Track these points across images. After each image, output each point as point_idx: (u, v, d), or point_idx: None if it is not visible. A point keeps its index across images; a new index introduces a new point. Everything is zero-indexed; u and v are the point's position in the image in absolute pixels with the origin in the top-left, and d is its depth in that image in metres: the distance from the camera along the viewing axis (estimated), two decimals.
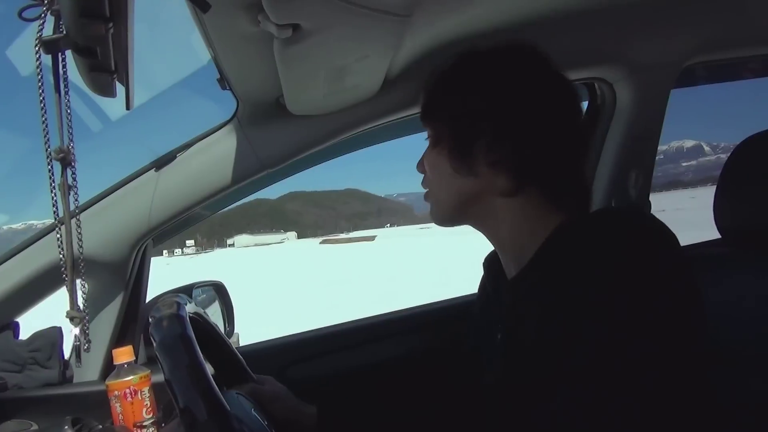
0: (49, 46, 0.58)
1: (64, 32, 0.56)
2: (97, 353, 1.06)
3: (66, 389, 1.02)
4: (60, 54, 0.62)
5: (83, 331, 0.83)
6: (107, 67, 0.56)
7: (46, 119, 0.66)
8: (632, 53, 1.15)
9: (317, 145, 1.09)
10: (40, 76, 0.61)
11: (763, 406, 0.80)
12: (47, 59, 0.62)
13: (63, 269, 0.78)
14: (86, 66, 0.56)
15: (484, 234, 0.77)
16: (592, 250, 0.60)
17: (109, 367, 1.04)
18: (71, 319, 0.79)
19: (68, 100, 0.67)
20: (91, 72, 0.56)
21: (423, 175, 0.80)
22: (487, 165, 0.69)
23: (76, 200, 0.79)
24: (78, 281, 0.82)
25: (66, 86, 0.66)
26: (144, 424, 0.82)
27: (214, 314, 1.37)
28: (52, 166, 0.73)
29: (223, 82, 0.94)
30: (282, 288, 16.74)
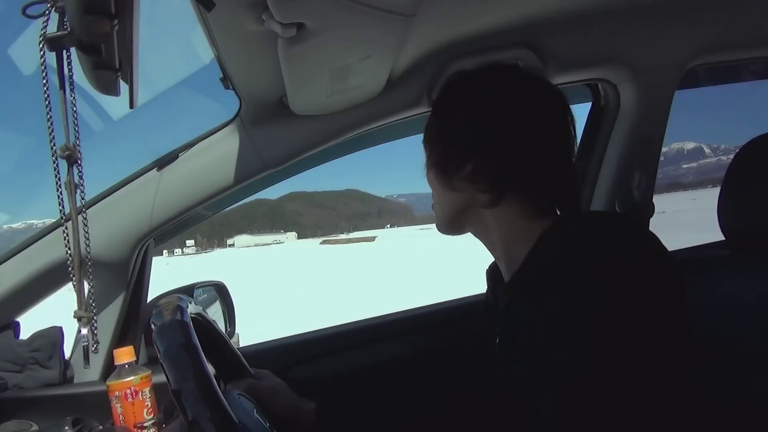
0: (54, 43, 0.57)
1: (69, 29, 0.56)
2: (98, 353, 1.06)
3: (66, 389, 1.02)
4: (64, 51, 0.61)
5: (92, 332, 0.82)
6: (111, 64, 0.55)
7: (51, 117, 0.65)
8: (636, 54, 1.15)
9: (320, 145, 1.09)
10: (44, 74, 0.61)
11: (765, 408, 0.80)
12: (51, 57, 0.61)
13: (70, 269, 0.77)
14: (90, 64, 0.55)
15: (482, 242, 0.81)
16: (573, 254, 0.62)
17: (110, 368, 1.03)
18: (79, 319, 0.78)
19: (74, 98, 0.66)
20: (95, 70, 0.56)
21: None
22: (464, 180, 0.74)
23: (83, 199, 0.78)
24: (85, 281, 0.82)
25: (71, 84, 0.65)
26: (145, 424, 0.81)
27: (215, 314, 1.36)
28: (57, 165, 0.72)
29: (226, 81, 0.93)
30: (280, 289, 16.71)
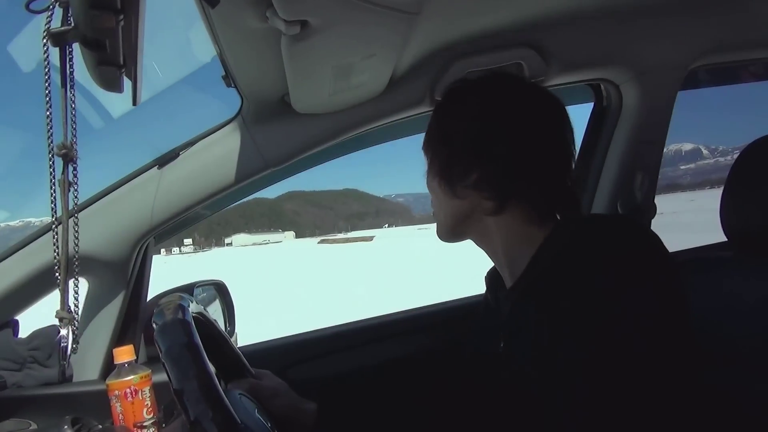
0: (57, 39, 0.57)
1: (73, 24, 0.55)
2: (97, 352, 1.05)
3: (66, 388, 1.01)
4: (67, 47, 0.60)
5: (72, 333, 0.81)
6: (115, 61, 0.55)
7: (50, 114, 0.64)
8: (639, 55, 1.15)
9: (322, 144, 1.08)
10: (47, 70, 0.60)
11: (764, 408, 0.80)
12: (53, 53, 0.61)
13: (56, 268, 0.77)
14: (94, 59, 0.54)
15: (483, 249, 0.82)
16: (577, 255, 0.63)
17: (109, 367, 1.03)
18: (60, 320, 0.78)
19: (73, 95, 0.66)
20: (98, 66, 0.55)
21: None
22: (468, 188, 0.74)
23: (76, 197, 0.77)
24: (71, 282, 0.81)
25: (72, 81, 0.64)
26: (144, 424, 0.81)
27: (215, 313, 1.36)
28: (53, 162, 0.71)
29: (228, 79, 0.93)
30: (277, 289, 16.69)
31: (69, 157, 0.72)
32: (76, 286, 0.82)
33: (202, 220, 1.28)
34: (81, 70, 0.66)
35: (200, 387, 0.54)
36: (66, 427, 0.82)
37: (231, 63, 0.86)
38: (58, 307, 0.82)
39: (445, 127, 0.79)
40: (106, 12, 0.47)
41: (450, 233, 0.82)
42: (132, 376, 0.81)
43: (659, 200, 1.29)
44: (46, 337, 1.02)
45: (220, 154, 1.04)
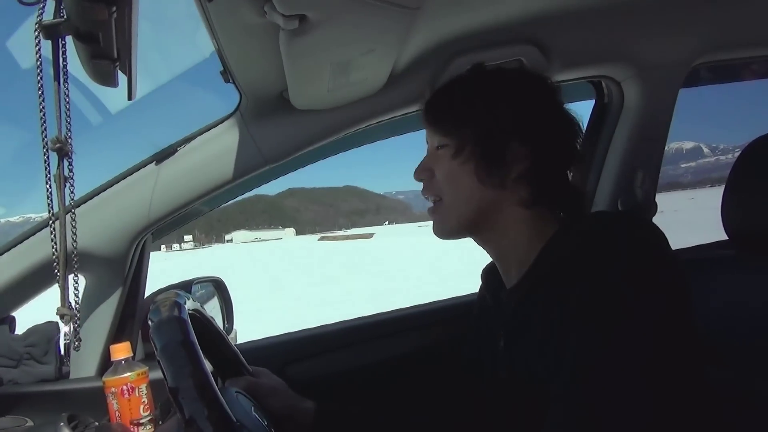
0: (49, 31, 0.56)
1: (65, 17, 0.55)
2: (94, 349, 1.05)
3: (62, 385, 1.01)
4: (60, 40, 0.59)
5: (75, 330, 0.81)
6: (109, 54, 0.54)
7: (44, 108, 0.64)
8: (641, 51, 1.14)
9: (321, 141, 1.08)
10: (39, 63, 0.59)
11: (765, 407, 0.79)
12: (47, 47, 0.60)
13: (55, 265, 0.76)
14: (87, 53, 0.54)
15: (486, 245, 0.79)
16: (584, 256, 0.63)
17: (106, 363, 1.02)
18: (61, 317, 0.77)
19: (67, 89, 0.65)
20: (92, 59, 0.54)
21: (422, 184, 0.80)
22: (514, 176, 0.72)
23: (72, 193, 0.76)
24: (71, 277, 0.80)
25: (65, 74, 0.63)
26: (141, 421, 0.80)
27: (213, 310, 1.35)
28: (48, 157, 0.70)
29: (227, 74, 0.92)
30: (277, 287, 16.70)
31: (64, 152, 0.71)
32: (76, 283, 0.82)
33: (201, 216, 1.27)
34: (77, 65, 0.65)
35: (195, 385, 0.54)
36: (62, 424, 0.82)
37: (229, 58, 0.85)
38: (59, 304, 0.81)
39: (493, 110, 0.73)
40: (98, 4, 0.46)
41: (464, 226, 0.76)
42: (129, 373, 0.81)
43: (660, 198, 1.28)
44: (43, 333, 1.01)
45: (218, 150, 1.04)
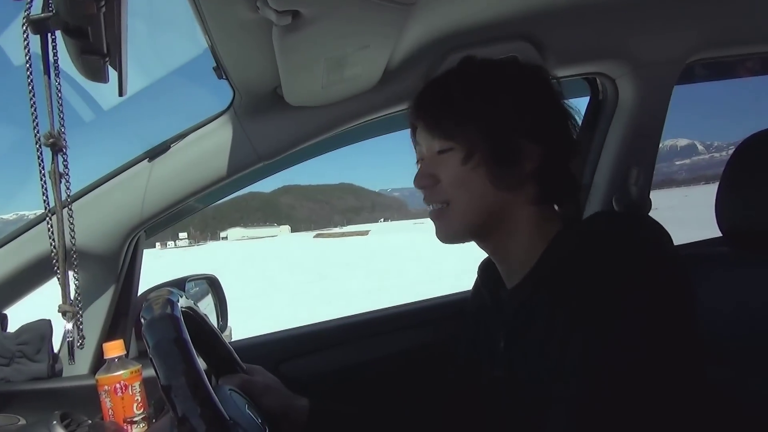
0: (38, 26, 0.55)
1: (54, 11, 0.54)
2: (87, 347, 1.04)
3: (55, 383, 1.00)
4: (49, 35, 0.59)
5: (77, 327, 0.80)
6: (99, 49, 0.53)
7: (34, 103, 0.63)
8: (635, 49, 1.14)
9: (315, 137, 1.07)
10: (28, 58, 0.59)
11: (762, 407, 0.80)
12: (36, 42, 0.59)
13: (54, 261, 0.75)
14: (77, 48, 0.53)
15: (489, 247, 0.77)
16: (588, 255, 0.63)
17: (99, 361, 1.02)
18: (63, 314, 0.76)
19: (59, 83, 0.64)
20: (82, 55, 0.54)
21: (425, 190, 0.75)
22: (522, 177, 0.70)
23: (68, 189, 0.76)
24: (71, 274, 0.80)
25: (56, 69, 0.63)
26: (134, 419, 0.80)
27: (207, 308, 1.35)
28: (41, 153, 0.70)
29: (220, 71, 0.91)
30: (272, 286, 16.67)
31: (57, 147, 0.70)
32: (76, 279, 0.81)
33: (195, 213, 1.27)
34: (67, 60, 0.64)
35: (188, 383, 0.53)
36: (55, 422, 0.81)
37: (222, 54, 0.84)
38: (56, 302, 0.81)
39: (501, 108, 0.69)
40: None
41: (470, 232, 0.73)
42: (122, 371, 0.80)
43: (654, 195, 1.29)
44: (35, 331, 1.01)
45: (211, 147, 1.03)
